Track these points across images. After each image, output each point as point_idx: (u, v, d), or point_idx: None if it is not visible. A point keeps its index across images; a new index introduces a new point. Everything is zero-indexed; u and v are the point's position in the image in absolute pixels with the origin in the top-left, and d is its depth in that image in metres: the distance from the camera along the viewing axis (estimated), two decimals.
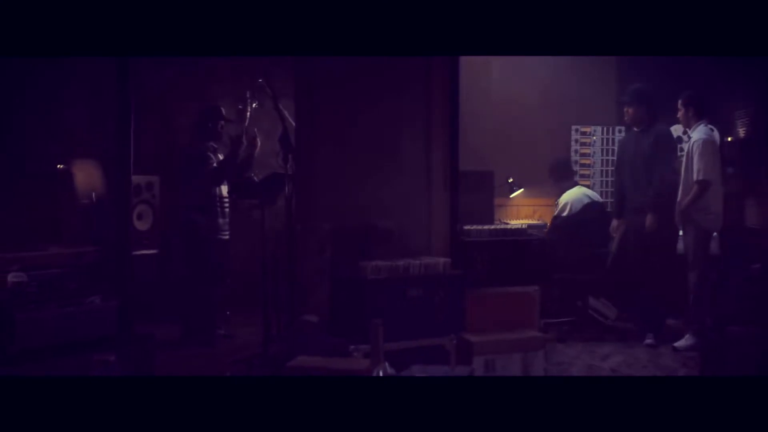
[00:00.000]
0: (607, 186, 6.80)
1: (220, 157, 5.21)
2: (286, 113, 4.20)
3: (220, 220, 5.21)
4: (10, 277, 3.17)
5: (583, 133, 6.85)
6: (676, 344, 4.96)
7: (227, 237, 5.30)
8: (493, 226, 4.89)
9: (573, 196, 5.79)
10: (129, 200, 4.11)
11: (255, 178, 4.88)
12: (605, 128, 6.83)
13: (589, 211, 5.74)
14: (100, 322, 3.12)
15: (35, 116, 5.02)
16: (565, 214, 5.75)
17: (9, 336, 2.92)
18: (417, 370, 2.33)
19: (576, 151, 6.80)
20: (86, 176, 4.45)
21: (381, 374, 1.87)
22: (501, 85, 6.55)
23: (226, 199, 5.26)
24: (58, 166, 4.61)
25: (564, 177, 5.99)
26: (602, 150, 6.87)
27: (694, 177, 4.92)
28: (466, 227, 4.58)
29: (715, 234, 5.14)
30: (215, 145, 5.25)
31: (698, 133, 5.02)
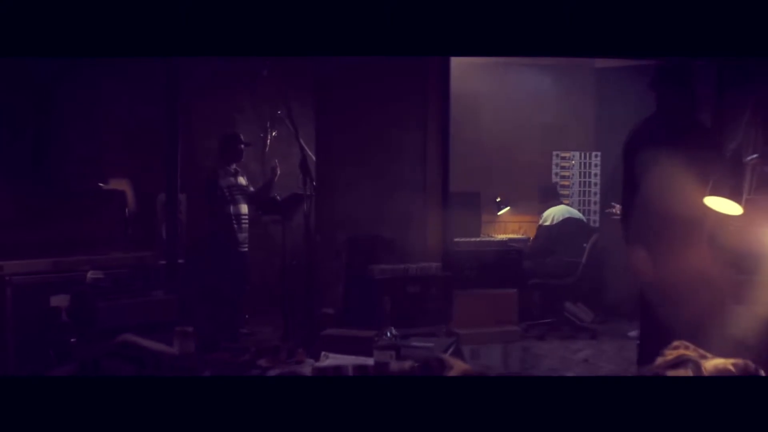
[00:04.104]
0: (586, 205, 7.22)
1: (241, 179, 5.80)
2: (303, 143, 4.57)
3: (240, 235, 5.70)
4: (90, 274, 3.87)
5: (563, 158, 7.32)
6: (630, 333, 5.63)
7: (246, 249, 5.81)
8: (478, 239, 5.62)
9: (556, 210, 6.39)
10: (177, 214, 4.86)
11: (278, 198, 5.63)
12: (583, 153, 7.26)
13: (568, 224, 6.33)
14: (164, 311, 3.84)
15: (86, 137, 5.70)
16: (547, 223, 6.34)
17: (92, 319, 3.68)
18: (414, 341, 3.15)
19: (557, 174, 7.29)
20: (136, 193, 5.20)
21: (389, 335, 2.63)
22: (489, 116, 7.10)
23: (244, 216, 5.81)
24: (100, 184, 5.35)
25: (551, 199, 6.57)
26: (580, 173, 7.27)
27: None
28: (456, 239, 5.15)
29: None
30: (238, 168, 5.84)
31: None
